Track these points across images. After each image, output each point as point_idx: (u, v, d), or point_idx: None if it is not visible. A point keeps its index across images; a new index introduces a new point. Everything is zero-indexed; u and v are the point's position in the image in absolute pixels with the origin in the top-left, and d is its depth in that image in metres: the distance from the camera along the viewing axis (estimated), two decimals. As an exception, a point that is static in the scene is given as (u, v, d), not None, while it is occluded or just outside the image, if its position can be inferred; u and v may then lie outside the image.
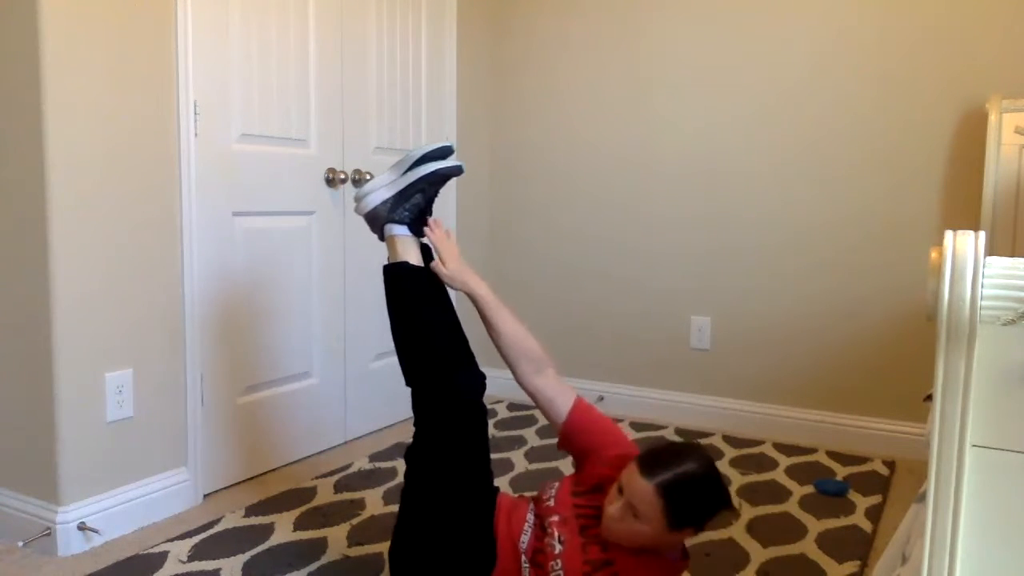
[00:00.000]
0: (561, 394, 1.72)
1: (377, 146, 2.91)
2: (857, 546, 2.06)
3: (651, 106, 3.16)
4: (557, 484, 1.67)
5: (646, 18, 3.14)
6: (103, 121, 2.02)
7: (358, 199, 1.82)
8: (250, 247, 2.46)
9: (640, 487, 1.43)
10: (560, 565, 1.50)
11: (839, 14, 2.81)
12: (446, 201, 3.27)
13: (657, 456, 1.48)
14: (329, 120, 2.71)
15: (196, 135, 2.26)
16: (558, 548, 1.52)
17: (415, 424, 1.70)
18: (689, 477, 1.45)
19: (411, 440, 1.71)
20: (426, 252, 1.81)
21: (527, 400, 3.42)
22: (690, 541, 2.04)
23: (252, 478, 2.51)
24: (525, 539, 1.58)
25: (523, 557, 1.56)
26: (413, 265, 1.77)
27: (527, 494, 1.81)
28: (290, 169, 2.58)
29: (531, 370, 1.72)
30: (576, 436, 1.70)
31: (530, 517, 1.62)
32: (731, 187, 3.03)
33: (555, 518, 1.57)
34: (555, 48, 3.34)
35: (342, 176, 2.73)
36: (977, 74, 2.63)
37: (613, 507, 1.48)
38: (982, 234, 0.74)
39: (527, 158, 3.45)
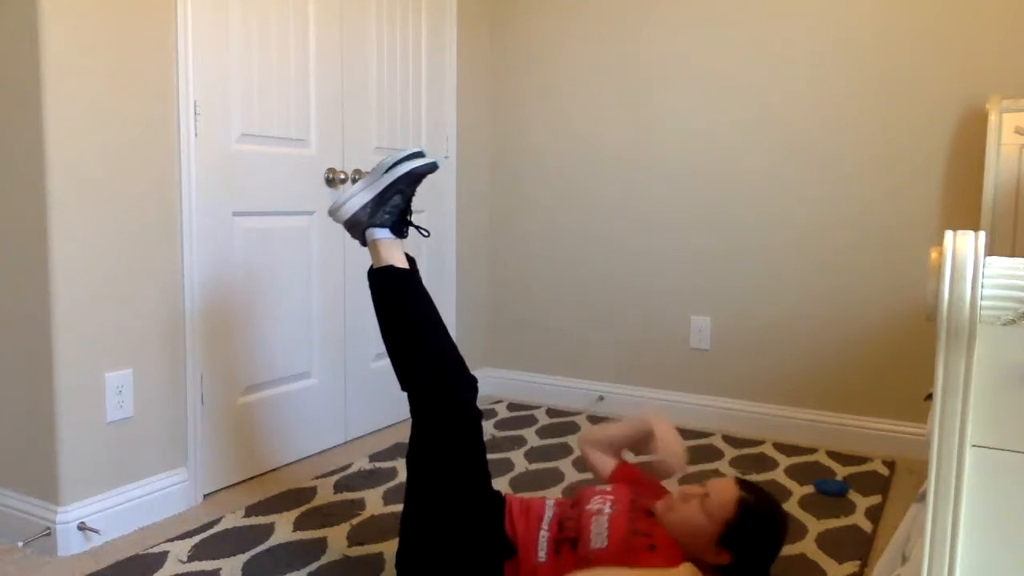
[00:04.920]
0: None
1: (377, 146, 2.91)
2: (857, 546, 2.06)
3: (651, 106, 3.16)
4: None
5: (646, 18, 3.14)
6: (103, 121, 2.02)
7: (335, 208, 1.82)
8: (250, 247, 2.46)
9: (728, 487, 1.54)
10: (605, 524, 1.56)
11: (839, 14, 2.81)
12: (446, 200, 3.27)
13: (758, 487, 1.58)
14: (329, 120, 2.71)
15: (196, 135, 2.26)
16: (608, 510, 1.59)
17: (412, 427, 1.71)
18: (768, 516, 1.54)
19: (409, 442, 1.72)
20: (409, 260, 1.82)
21: (527, 400, 3.44)
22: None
23: (252, 478, 2.51)
24: (548, 515, 1.66)
25: (543, 528, 1.63)
26: (399, 268, 1.76)
27: (533, 495, 1.81)
28: (290, 169, 2.58)
29: None
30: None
31: (550, 502, 1.70)
32: (731, 187, 3.03)
33: (608, 488, 1.68)
34: (555, 48, 3.34)
35: (342, 176, 2.73)
36: (977, 74, 2.63)
37: (688, 488, 1.58)
38: (982, 234, 0.74)
39: (527, 158, 3.45)
